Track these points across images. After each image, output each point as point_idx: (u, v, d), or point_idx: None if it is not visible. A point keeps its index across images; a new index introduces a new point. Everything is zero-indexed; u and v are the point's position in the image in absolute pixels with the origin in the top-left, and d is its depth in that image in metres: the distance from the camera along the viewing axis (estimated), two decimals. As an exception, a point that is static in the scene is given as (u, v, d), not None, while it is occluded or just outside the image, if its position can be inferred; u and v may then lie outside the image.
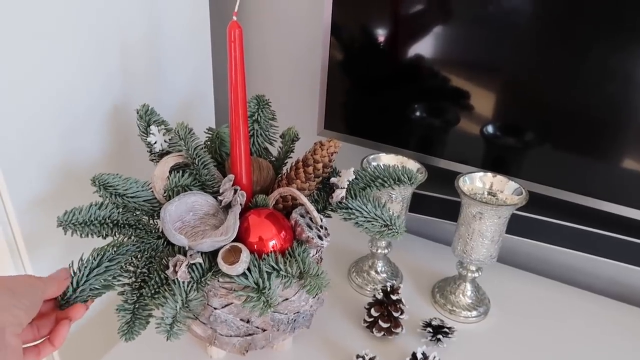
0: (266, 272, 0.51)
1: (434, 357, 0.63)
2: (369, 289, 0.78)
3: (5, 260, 0.65)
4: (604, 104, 0.66)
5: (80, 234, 0.52)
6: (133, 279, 0.54)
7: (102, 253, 0.51)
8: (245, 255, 0.51)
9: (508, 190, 0.69)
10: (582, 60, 0.65)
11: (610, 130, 0.67)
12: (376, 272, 0.79)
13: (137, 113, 0.62)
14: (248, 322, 0.58)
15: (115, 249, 0.52)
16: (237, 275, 0.51)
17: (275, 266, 0.52)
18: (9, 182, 0.61)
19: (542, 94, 0.69)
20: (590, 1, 0.62)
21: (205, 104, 0.93)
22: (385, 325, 0.67)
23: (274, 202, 0.59)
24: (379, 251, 0.78)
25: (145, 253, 0.54)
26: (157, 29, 0.77)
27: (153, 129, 0.61)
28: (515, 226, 0.76)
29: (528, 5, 0.66)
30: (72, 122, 0.67)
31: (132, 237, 0.55)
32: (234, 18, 0.52)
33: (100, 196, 0.54)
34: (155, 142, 0.62)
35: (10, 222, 0.63)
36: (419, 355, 0.63)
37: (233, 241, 0.53)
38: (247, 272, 0.51)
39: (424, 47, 0.74)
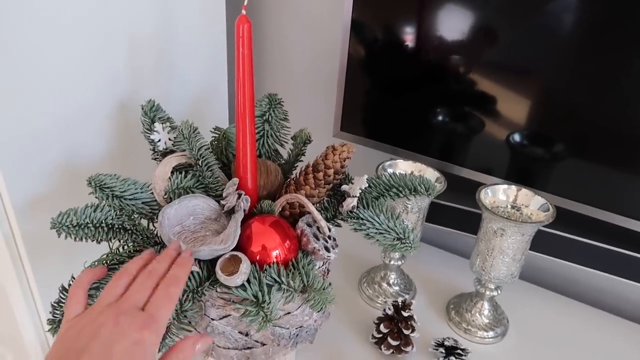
0: (267, 284, 0.48)
1: (445, 381, 0.59)
2: (379, 302, 0.74)
3: (5, 263, 0.63)
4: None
5: (74, 237, 0.49)
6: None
7: None
8: (245, 267, 0.48)
9: (534, 205, 0.65)
10: (622, 71, 0.60)
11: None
12: (388, 284, 0.75)
13: (142, 109, 0.59)
14: (247, 335, 0.55)
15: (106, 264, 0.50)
16: (236, 287, 0.48)
17: (277, 279, 0.49)
18: (7, 179, 0.58)
19: (578, 103, 0.64)
20: (635, 10, 0.57)
21: (218, 99, 0.90)
22: (394, 343, 0.63)
23: (280, 209, 0.55)
24: (392, 262, 0.74)
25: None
26: (169, 20, 0.74)
27: (157, 126, 0.58)
28: (541, 243, 0.71)
29: (567, 9, 0.61)
30: (75, 117, 0.65)
31: (128, 244, 0.52)
32: (243, 12, 0.48)
33: (96, 197, 0.51)
34: (159, 140, 0.59)
35: (9, 222, 0.61)
36: (429, 378, 0.59)
37: (234, 249, 0.50)
38: (246, 283, 0.48)
39: (449, 47, 0.69)
